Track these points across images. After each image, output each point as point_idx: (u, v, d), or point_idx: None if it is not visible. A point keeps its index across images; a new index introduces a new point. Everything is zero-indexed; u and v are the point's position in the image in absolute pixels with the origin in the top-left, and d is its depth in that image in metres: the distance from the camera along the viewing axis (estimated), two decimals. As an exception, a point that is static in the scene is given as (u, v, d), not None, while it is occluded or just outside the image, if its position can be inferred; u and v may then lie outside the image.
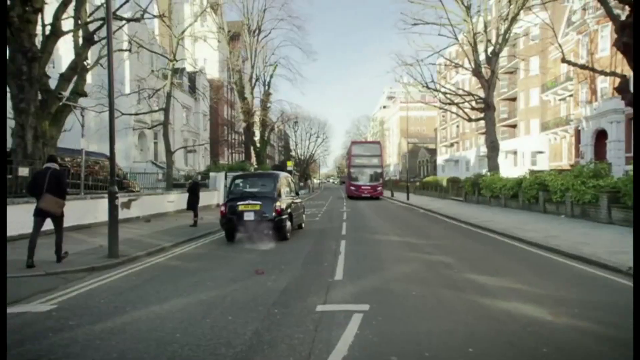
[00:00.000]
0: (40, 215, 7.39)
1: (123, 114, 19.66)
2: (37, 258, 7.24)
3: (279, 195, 11.04)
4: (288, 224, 11.07)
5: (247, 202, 10.63)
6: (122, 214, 13.99)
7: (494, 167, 24.48)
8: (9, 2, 10.78)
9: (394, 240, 11.18)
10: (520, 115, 42.32)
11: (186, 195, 14.98)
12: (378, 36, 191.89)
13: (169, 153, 21.96)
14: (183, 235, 11.72)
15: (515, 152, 42.75)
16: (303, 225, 13.79)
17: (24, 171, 10.36)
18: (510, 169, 34.46)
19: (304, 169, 72.99)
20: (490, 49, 24.55)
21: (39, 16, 11.69)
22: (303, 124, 69.46)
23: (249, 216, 10.48)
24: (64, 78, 12.72)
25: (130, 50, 15.02)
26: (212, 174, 24.89)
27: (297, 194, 13.48)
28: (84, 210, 12.55)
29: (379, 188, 32.89)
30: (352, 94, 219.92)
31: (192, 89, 41.67)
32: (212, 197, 23.64)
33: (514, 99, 44.51)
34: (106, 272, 7.28)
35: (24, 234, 9.96)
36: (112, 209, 8.38)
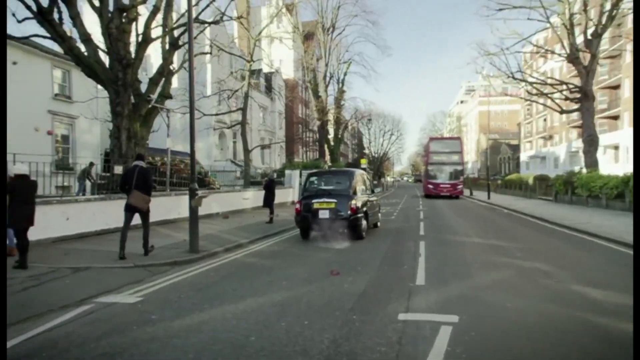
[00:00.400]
0: (129, 210, 7.82)
1: (204, 114, 20.67)
2: (127, 251, 7.68)
3: (355, 193, 10.73)
4: (364, 222, 10.72)
5: (322, 199, 10.46)
6: (203, 210, 14.63)
7: (591, 163, 21.91)
8: (109, 15, 11.73)
9: (478, 242, 10.32)
10: (624, 105, 37.62)
11: (262, 192, 15.27)
12: (456, 27, 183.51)
13: (247, 151, 22.68)
14: (259, 232, 11.89)
15: (616, 147, 38.15)
16: (378, 224, 13.35)
17: (119, 169, 11.19)
18: (610, 166, 30.78)
19: (378, 166, 71.98)
20: (590, 30, 21.94)
21: (133, 26, 12.56)
22: (377, 121, 68.44)
23: (323, 214, 10.31)
24: (153, 82, 13.57)
25: (210, 53, 15.71)
26: (287, 172, 25.32)
27: (372, 191, 13.07)
28: (169, 206, 13.28)
29: (459, 186, 31.12)
30: (427, 89, 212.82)
31: (268, 89, 42.93)
32: (287, 195, 24.01)
33: (615, 87, 39.70)
34: (187, 266, 7.50)
35: (119, 227, 10.74)
36: (193, 205, 8.65)
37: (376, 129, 71.85)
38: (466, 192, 35.44)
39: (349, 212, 10.24)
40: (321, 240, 10.18)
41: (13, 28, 16.46)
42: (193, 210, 8.59)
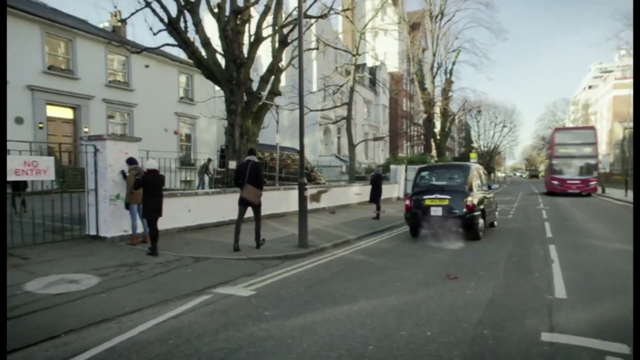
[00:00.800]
0: (242, 204, 8.08)
1: (311, 110, 21.05)
2: (240, 243, 7.94)
3: (470, 189, 9.81)
4: (480, 221, 9.76)
5: (434, 196, 9.76)
6: (310, 204, 14.82)
7: None
8: (226, 19, 12.44)
9: (623, 249, 8.63)
10: None
11: (368, 187, 14.96)
12: (582, 4, 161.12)
13: (352, 146, 22.58)
14: (366, 228, 11.60)
15: None
16: (495, 223, 12.13)
17: (232, 164, 11.80)
18: None
19: (488, 161, 66.86)
20: None
21: (246, 27, 13.15)
22: (487, 113, 63.53)
23: (435, 211, 9.61)
24: (263, 80, 14.08)
25: (317, 49, 15.88)
26: (392, 167, 24.65)
27: (489, 187, 11.90)
28: (278, 200, 13.67)
29: (592, 183, 27.00)
30: (546, 76, 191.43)
31: (373, 83, 42.43)
32: (393, 190, 23.35)
33: None
34: (297, 261, 7.49)
35: (233, 219, 11.30)
36: (302, 200, 8.65)
37: (486, 120, 66.78)
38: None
39: (464, 209, 9.39)
40: (432, 239, 9.51)
41: (149, 40, 19.00)
42: (302, 205, 8.60)
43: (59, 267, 6.29)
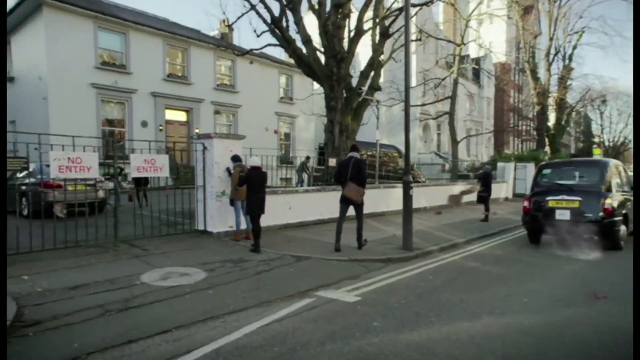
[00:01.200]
0: (344, 202, 7.76)
1: (411, 105, 20.12)
2: (342, 243, 7.63)
3: (608, 189, 8.30)
4: (622, 228, 8.22)
5: (560, 197, 8.46)
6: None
7: None
8: (326, 14, 12.34)
9: None
10: None
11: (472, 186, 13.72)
12: None
13: (454, 143, 21.16)
14: (474, 231, 10.56)
15: None
16: None
17: (332, 161, 11.62)
18: None
19: (614, 157, 58.28)
20: None
21: (347, 21, 12.92)
22: (615, 102, 55.35)
23: (562, 215, 8.30)
24: (363, 75, 13.70)
25: (420, 39, 15.05)
26: (499, 164, 22.57)
27: (631, 188, 10.03)
28: (378, 199, 13.16)
29: None
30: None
31: (476, 75, 39.59)
32: (500, 190, 21.35)
33: None
34: (401, 265, 6.95)
35: (332, 217, 11.15)
36: (407, 200, 8.06)
37: (612, 111, 58.21)
38: None
39: (600, 213, 7.97)
40: (558, 247, 8.21)
41: (253, 42, 20.12)
42: (407, 204, 8.01)
43: (172, 259, 6.58)
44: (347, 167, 7.63)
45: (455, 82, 21.13)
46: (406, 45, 8.01)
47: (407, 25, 8.12)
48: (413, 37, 18.62)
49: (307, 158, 18.93)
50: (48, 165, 6.52)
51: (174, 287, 5.15)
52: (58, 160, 6.33)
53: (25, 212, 9.36)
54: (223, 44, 22.05)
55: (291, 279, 5.83)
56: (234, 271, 6.03)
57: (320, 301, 4.91)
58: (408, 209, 8.07)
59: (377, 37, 13.82)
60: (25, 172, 10.20)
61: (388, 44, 16.38)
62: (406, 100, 8.13)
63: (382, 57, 14.33)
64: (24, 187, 9.91)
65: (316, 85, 29.79)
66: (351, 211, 7.85)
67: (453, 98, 21.28)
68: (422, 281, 5.94)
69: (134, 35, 19.61)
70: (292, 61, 31.03)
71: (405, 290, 5.44)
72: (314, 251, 7.53)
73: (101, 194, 10.09)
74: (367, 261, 7.04)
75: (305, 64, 12.78)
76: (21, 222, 6.80)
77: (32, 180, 9.24)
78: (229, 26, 13.15)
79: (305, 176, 19.12)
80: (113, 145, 12.59)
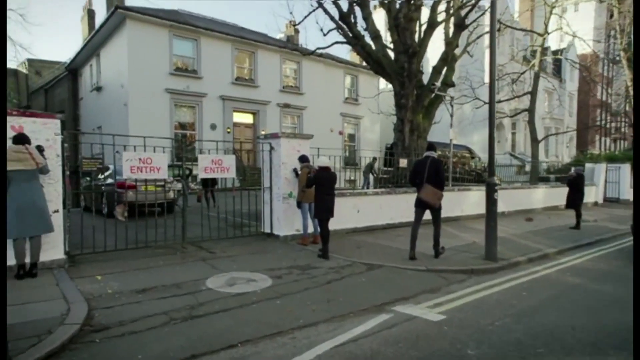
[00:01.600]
0: (420, 206, 7.09)
1: (485, 103, 18.71)
2: (416, 250, 6.97)
3: None
4: None
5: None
6: (484, 208, 12.90)
7: None
8: (397, 7, 11.71)
9: None
10: None
11: (555, 190, 12.30)
12: None
13: (535, 142, 19.35)
14: (564, 239, 9.32)
15: None
16: None
17: (403, 162, 10.93)
18: None
19: None
20: None
21: (419, 13, 12.19)
22: None
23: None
24: (436, 70, 12.85)
25: (499, 30, 13.83)
26: (588, 165, 20.28)
27: None
28: (452, 203, 12.17)
29: None
30: None
31: (557, 70, 36.37)
32: (589, 194, 19.14)
33: None
34: (486, 278, 6.16)
35: (403, 222, 10.47)
36: (491, 204, 7.20)
37: None
38: None
39: None
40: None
41: (320, 41, 19.86)
42: (491, 210, 7.16)
43: (238, 263, 6.34)
44: (423, 168, 6.96)
45: (537, 77, 19.33)
46: (492, 25, 7.15)
47: (493, 9, 7.27)
48: (486, 30, 17.29)
49: (374, 159, 18.29)
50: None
51: (240, 295, 4.85)
52: (130, 160, 6.36)
53: (104, 211, 9.80)
54: (289, 46, 22.14)
55: (364, 290, 5.31)
56: (302, 279, 5.63)
57: (399, 318, 4.34)
58: (492, 214, 7.21)
59: (451, 30, 12.87)
60: (107, 173, 10.73)
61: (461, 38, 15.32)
62: (491, 93, 7.29)
63: (456, 51, 13.35)
64: (103, 188, 10.40)
65: (382, 85, 29.20)
66: (426, 215, 7.17)
67: (533, 94, 19.48)
68: (515, 299, 5.14)
69: (204, 41, 20.26)
70: (357, 61, 30.61)
71: (498, 309, 4.70)
72: (386, 259, 6.94)
73: (170, 194, 10.28)
74: (447, 272, 6.33)
75: (375, 61, 12.21)
76: (97, 221, 6.97)
77: (111, 181, 9.63)
78: (296, 25, 12.99)
79: (371, 178, 18.49)
80: (184, 148, 12.91)
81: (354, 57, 31.55)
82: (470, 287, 5.64)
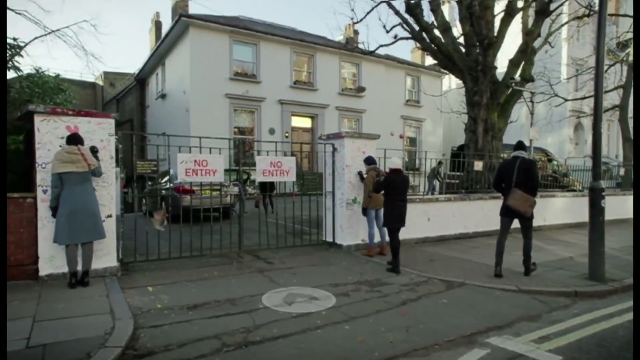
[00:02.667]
0: (507, 215, 6.06)
1: (566, 100, 16.88)
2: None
3: None
4: None
5: None
6: (573, 216, 11.36)
7: None
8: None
9: None
10: None
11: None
12: None
13: (628, 142, 17.05)
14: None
15: None
16: None
17: (479, 165, 9.79)
18: None
19: None
20: None
21: (496, 1, 11.06)
22: None
23: None
24: (512, 63, 11.52)
25: (588, 15, 12.19)
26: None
27: None
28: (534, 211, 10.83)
29: None
30: None
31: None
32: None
33: None
34: (597, 304, 5.03)
35: (478, 232, 9.37)
36: (597, 213, 6.00)
37: None
38: None
39: None
40: None
41: (384, 37, 19.04)
42: (597, 220, 5.96)
43: (298, 277, 5.70)
44: (511, 170, 5.93)
45: (631, 67, 17.05)
46: (601, 7, 5.97)
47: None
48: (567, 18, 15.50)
49: (439, 163, 17.05)
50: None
51: (302, 316, 4.19)
52: (185, 162, 5.98)
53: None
54: (348, 47, 21.51)
55: (447, 314, 4.43)
56: (372, 298, 4.86)
57: (498, 355, 3.45)
58: (597, 225, 6.02)
59: (532, 18, 11.50)
60: (167, 177, 10.66)
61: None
62: (597, 82, 6.07)
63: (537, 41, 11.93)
64: (163, 192, 10.30)
65: (445, 86, 27.67)
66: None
67: (626, 88, 17.22)
68: (646, 335, 4.00)
69: (264, 46, 20.21)
70: (419, 61, 29.31)
71: (628, 345, 3.63)
72: (467, 275, 5.98)
73: (227, 199, 9.94)
74: (544, 294, 5.26)
75: (444, 55, 11.17)
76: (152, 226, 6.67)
77: (170, 185, 9.46)
78: (357, 22, 12.27)
79: (436, 183, 17.26)
80: (241, 151, 12.65)
81: (416, 58, 30.33)
82: (579, 315, 4.57)
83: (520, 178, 5.85)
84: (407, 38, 12.17)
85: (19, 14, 7.98)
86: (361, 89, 23.07)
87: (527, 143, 11.48)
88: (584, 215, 11.85)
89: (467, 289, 5.39)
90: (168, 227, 6.03)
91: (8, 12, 7.59)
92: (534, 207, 5.93)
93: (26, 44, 8.06)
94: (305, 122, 22.04)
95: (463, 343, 3.70)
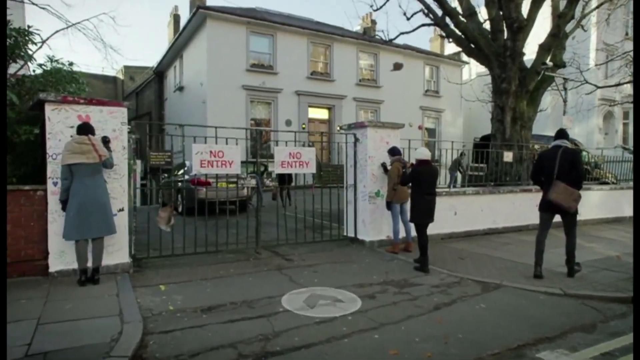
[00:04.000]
0: (547, 210, 5.54)
1: (598, 87, 15.96)
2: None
3: None
4: None
5: None
6: (608, 211, 10.70)
7: None
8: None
9: None
10: None
11: None
12: None
13: (664, 133, 16.06)
14: None
15: None
16: None
17: (508, 156, 9.23)
18: None
19: None
20: None
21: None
22: None
23: None
24: (542, 48, 10.83)
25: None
26: None
27: None
28: (566, 205, 10.21)
29: None
30: None
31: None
32: None
33: None
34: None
35: (508, 227, 8.83)
36: (648, 208, 5.43)
37: None
38: None
39: None
40: None
41: (405, 25, 18.08)
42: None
43: (320, 276, 5.31)
44: (552, 161, 5.39)
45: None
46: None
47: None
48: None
49: (462, 155, 16.39)
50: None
51: (325, 322, 3.80)
52: (200, 154, 5.64)
53: (179, 209, 9.40)
54: (366, 37, 20.92)
55: (487, 322, 3.98)
56: (401, 301, 4.44)
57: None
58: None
59: (563, 1, 10.79)
60: (183, 170, 10.39)
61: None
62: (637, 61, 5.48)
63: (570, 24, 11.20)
64: (180, 184, 10.05)
65: (465, 75, 26.78)
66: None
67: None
68: None
69: (280, 37, 19.78)
70: (437, 51, 28.44)
71: None
72: (502, 275, 5.50)
73: (244, 192, 9.61)
74: (595, 299, 4.74)
75: (470, 40, 10.55)
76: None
77: (187, 177, 9.19)
78: (377, 10, 11.72)
79: (459, 175, 16.63)
80: (259, 142, 12.29)
81: (435, 47, 29.44)
82: None
83: (563, 169, 5.32)
84: (429, 25, 11.62)
85: (43, 8, 7.88)
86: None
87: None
88: (621, 210, 11.32)
89: (505, 292, 4.91)
90: (174, 226, 5.69)
91: (31, 6, 7.52)
92: (579, 202, 5.40)
93: (48, 38, 7.99)
94: (322, 114, 21.58)
95: (510, 357, 3.26)
